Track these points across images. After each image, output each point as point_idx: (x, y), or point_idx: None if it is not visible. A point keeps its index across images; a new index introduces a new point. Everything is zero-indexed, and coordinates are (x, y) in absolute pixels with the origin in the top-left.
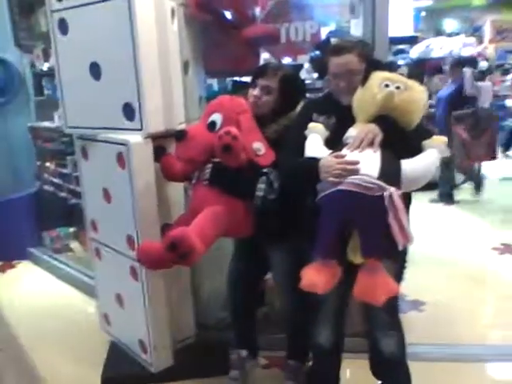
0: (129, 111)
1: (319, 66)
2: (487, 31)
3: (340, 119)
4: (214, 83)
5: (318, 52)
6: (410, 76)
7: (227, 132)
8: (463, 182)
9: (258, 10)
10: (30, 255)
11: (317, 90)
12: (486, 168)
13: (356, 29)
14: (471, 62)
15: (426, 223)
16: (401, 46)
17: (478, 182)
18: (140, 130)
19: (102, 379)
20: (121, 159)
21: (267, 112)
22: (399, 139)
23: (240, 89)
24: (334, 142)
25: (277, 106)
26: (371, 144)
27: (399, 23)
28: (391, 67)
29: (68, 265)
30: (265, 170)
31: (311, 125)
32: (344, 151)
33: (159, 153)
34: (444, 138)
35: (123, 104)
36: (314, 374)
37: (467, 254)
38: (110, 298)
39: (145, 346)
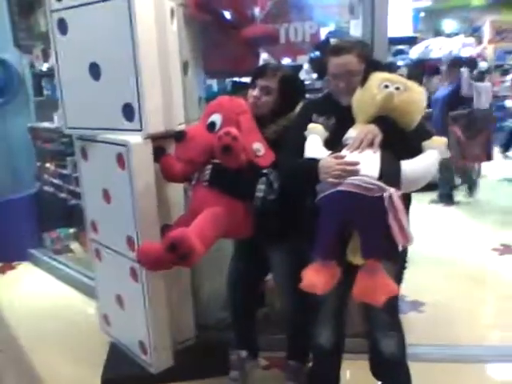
0: (128, 112)
1: (318, 66)
2: (486, 31)
3: (339, 120)
4: (214, 84)
5: (317, 52)
6: (409, 77)
7: (227, 133)
8: (462, 183)
9: (257, 11)
10: (30, 256)
11: (316, 91)
12: (486, 169)
13: (355, 29)
14: (468, 62)
15: (425, 224)
16: (400, 47)
17: (471, 184)
18: (140, 130)
19: (101, 380)
20: (120, 160)
21: (267, 112)
22: (399, 140)
23: (239, 89)
24: (334, 142)
25: (276, 107)
26: (371, 145)
27: (398, 24)
28: (391, 68)
29: (68, 266)
30: (264, 171)
31: (311, 125)
32: (344, 152)
33: (159, 153)
34: (444, 139)
35: (123, 104)
36: (315, 375)
37: (467, 254)
38: (110, 299)
39: (145, 347)
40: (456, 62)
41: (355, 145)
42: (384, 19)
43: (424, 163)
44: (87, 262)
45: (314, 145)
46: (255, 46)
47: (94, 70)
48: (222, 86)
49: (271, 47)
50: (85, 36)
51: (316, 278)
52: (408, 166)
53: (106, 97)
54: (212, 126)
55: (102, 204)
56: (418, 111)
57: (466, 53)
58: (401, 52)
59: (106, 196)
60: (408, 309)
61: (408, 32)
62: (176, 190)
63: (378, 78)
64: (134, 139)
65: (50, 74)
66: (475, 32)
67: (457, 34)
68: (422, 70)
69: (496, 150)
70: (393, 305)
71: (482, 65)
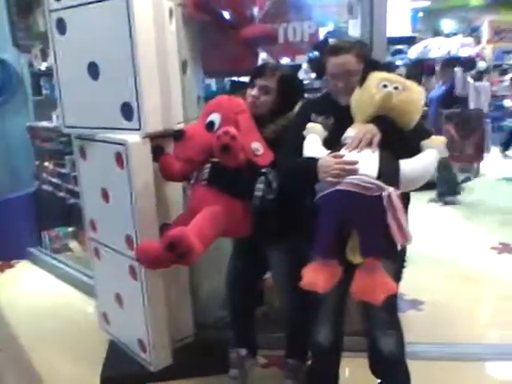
0: (127, 111)
1: (317, 66)
2: (485, 31)
3: (338, 119)
4: (213, 83)
5: (316, 52)
6: (408, 76)
7: (226, 132)
8: (464, 181)
9: (256, 10)
10: (29, 255)
11: (315, 90)
12: (485, 168)
13: (354, 29)
14: (464, 62)
15: (424, 223)
16: (399, 47)
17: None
18: (138, 129)
19: (101, 378)
20: (119, 159)
21: (265, 112)
22: (398, 139)
23: (238, 89)
24: (333, 142)
25: (275, 106)
26: (369, 144)
27: (397, 24)
28: (389, 67)
29: (67, 264)
30: (263, 170)
31: (309, 125)
32: (342, 151)
33: (157, 153)
34: (443, 138)
35: (121, 104)
36: (314, 373)
37: (466, 253)
38: (109, 298)
39: (144, 345)
40: (450, 62)
41: (354, 144)
42: (383, 19)
43: (423, 162)
44: (86, 261)
45: (313, 144)
46: (254, 46)
47: (93, 70)
48: (220, 85)
49: (270, 47)
50: (83, 36)
51: (316, 276)
52: (407, 166)
53: (105, 96)
54: (211, 125)
55: (101, 203)
56: (417, 111)
57: (464, 53)
58: (399, 52)
59: (105, 195)
60: (407, 307)
61: (407, 32)
62: (175, 189)
63: (376, 77)
64: (133, 138)
65: (48, 73)
66: (474, 32)
67: (455, 34)
68: (420, 70)
69: (495, 150)
70: (392, 303)
71: (481, 65)
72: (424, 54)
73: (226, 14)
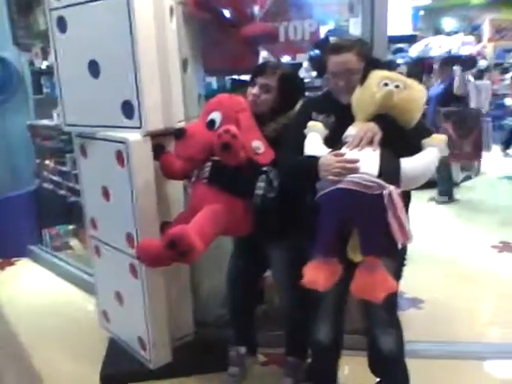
0: (128, 109)
1: (318, 64)
2: (486, 30)
3: (339, 118)
4: (213, 81)
5: (316, 51)
6: (409, 75)
7: (226, 130)
8: (463, 180)
9: (256, 9)
10: (30, 253)
11: (316, 89)
12: (486, 166)
13: (355, 28)
14: (463, 60)
15: (425, 221)
16: (400, 45)
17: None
18: (139, 127)
19: (101, 376)
20: (120, 157)
21: (266, 110)
22: (398, 138)
23: (239, 87)
24: (334, 140)
25: (276, 105)
26: (370, 143)
27: (398, 22)
28: (390, 66)
29: (67, 262)
30: (264, 169)
31: (310, 123)
32: (343, 150)
33: (158, 151)
34: (444, 137)
35: (122, 102)
36: (313, 371)
37: (466, 252)
38: (110, 296)
39: (144, 343)
40: (448, 61)
41: (355, 143)
42: (384, 17)
43: (424, 161)
44: (87, 259)
45: (314, 143)
46: (255, 44)
47: (93, 68)
48: (221, 83)
49: (271, 45)
50: (84, 34)
51: (317, 274)
52: (408, 164)
53: (105, 94)
54: (211, 123)
55: (102, 201)
56: (418, 109)
57: (465, 51)
58: (400, 50)
59: (106, 193)
60: (407, 306)
61: (408, 30)
62: (175, 188)
63: (377, 76)
64: (134, 136)
65: (49, 71)
66: (475, 30)
67: (456, 33)
68: (421, 68)
69: (496, 148)
70: (392, 302)
71: (482, 63)
72: (425, 52)
73: (227, 13)
